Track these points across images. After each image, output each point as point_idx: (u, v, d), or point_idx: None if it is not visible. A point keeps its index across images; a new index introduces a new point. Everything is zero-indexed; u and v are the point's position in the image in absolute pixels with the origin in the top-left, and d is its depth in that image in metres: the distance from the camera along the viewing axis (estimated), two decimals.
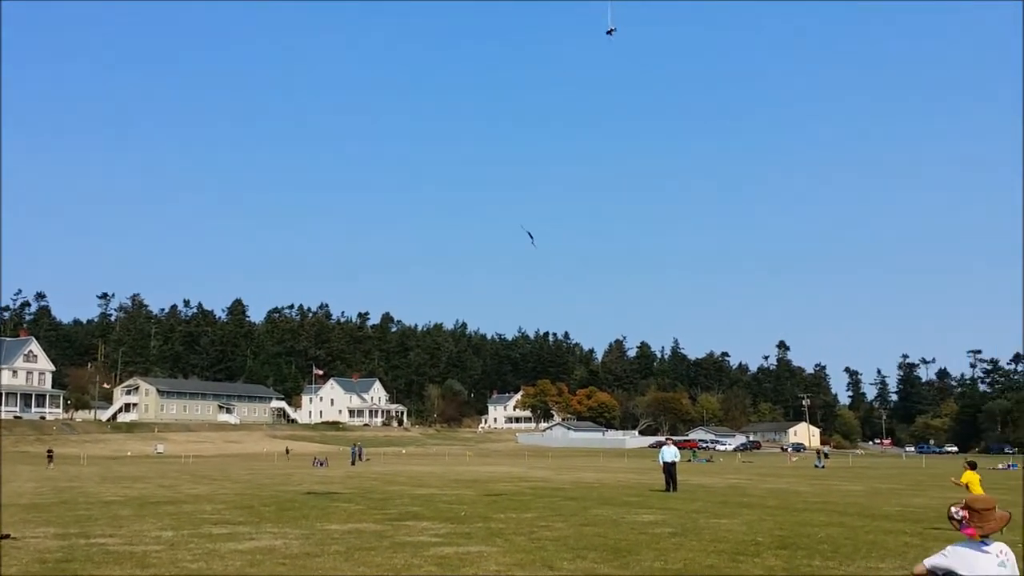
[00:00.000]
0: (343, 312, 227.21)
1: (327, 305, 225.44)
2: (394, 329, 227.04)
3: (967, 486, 18.04)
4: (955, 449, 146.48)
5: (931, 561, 5.11)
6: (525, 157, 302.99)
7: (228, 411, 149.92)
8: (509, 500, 25.51)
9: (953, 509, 5.17)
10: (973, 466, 18.65)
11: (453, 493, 28.79)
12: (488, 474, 46.19)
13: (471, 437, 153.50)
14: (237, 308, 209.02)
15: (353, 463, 65.74)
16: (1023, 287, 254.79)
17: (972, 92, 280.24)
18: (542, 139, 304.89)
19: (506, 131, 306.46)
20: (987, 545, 4.99)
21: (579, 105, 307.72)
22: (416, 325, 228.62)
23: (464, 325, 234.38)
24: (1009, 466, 67.07)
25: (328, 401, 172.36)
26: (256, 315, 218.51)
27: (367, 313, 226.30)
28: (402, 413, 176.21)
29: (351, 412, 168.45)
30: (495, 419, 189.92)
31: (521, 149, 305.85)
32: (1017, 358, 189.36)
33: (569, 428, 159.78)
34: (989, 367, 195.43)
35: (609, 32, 23.30)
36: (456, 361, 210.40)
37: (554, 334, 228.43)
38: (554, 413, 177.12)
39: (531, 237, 23.76)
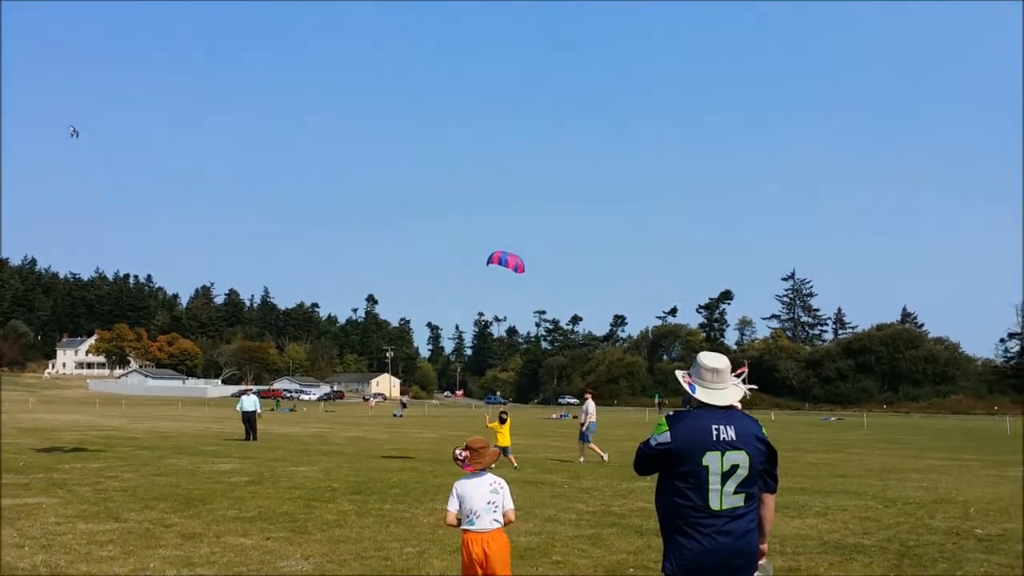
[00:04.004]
0: None
1: None
2: None
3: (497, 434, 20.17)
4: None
5: (451, 504, 6.09)
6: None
7: None
8: (75, 450, 23.91)
9: (457, 451, 6.21)
10: (503, 420, 20.73)
11: (11, 442, 26.36)
12: (53, 422, 42.86)
13: (36, 383, 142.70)
14: None
15: None
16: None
17: None
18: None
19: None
20: (481, 476, 6.11)
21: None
22: None
23: (33, 261, 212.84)
24: (561, 416, 73.60)
25: None
26: None
27: None
28: None
29: None
30: (64, 364, 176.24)
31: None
32: (574, 319, 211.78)
33: (147, 375, 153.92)
34: (551, 326, 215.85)
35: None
36: (22, 300, 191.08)
37: (136, 276, 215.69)
38: (131, 360, 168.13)
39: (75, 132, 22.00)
